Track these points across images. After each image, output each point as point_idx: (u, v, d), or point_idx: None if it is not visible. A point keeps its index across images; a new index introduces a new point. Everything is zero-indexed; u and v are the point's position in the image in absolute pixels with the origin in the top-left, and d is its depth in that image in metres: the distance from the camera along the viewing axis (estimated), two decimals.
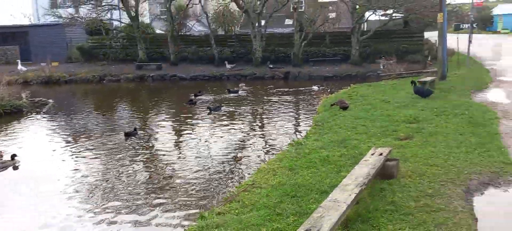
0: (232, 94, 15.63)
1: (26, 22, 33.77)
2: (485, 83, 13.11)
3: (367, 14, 23.65)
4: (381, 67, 20.47)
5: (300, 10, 26.87)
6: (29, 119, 12.35)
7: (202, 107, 13.04)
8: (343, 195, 3.77)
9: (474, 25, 46.35)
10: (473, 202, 4.44)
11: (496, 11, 58.42)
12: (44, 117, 12.57)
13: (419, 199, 4.42)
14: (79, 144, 9.06)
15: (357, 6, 22.72)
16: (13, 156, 7.67)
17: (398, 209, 4.20)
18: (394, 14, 23.70)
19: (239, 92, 16.33)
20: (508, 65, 17.64)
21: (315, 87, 16.98)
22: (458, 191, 4.62)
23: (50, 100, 14.48)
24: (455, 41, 17.88)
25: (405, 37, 24.31)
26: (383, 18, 25.36)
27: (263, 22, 24.50)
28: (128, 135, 9.43)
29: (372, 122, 8.36)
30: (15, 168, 7.54)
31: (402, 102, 10.20)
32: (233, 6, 27.68)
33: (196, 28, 31.50)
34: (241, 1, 23.50)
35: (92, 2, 24.19)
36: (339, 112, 9.69)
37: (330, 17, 30.13)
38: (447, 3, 16.49)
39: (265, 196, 4.91)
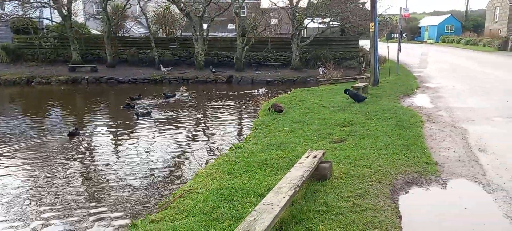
0: (169, 99, 15.24)
1: None
2: (412, 89, 14.12)
3: (306, 21, 24.50)
4: (321, 72, 21.27)
5: (242, 15, 27.08)
6: None
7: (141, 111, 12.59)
8: (277, 198, 3.81)
9: (403, 35, 50.03)
10: (398, 200, 4.72)
11: (423, 22, 63.69)
12: None
13: (349, 199, 4.61)
14: (3, 149, 8.29)
15: (297, 14, 23.42)
16: None
17: (330, 209, 4.35)
18: (331, 22, 24.78)
19: (177, 96, 16.00)
20: (433, 73, 19.21)
21: (260, 90, 17.29)
22: (385, 191, 4.89)
23: None
24: (386, 49, 19.11)
25: (342, 44, 25.52)
26: (321, 26, 26.40)
27: (205, 26, 24.34)
28: (72, 135, 9.46)
29: (309, 125, 8.62)
30: None
31: (338, 107, 10.65)
32: (174, 8, 27.18)
33: (135, 29, 30.46)
34: (181, 4, 23.13)
35: None
36: (279, 116, 9.87)
37: (272, 23, 30.77)
38: (378, 13, 17.57)
39: (201, 201, 4.83)
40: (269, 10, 31.79)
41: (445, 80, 16.30)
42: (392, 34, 56.53)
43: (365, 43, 26.60)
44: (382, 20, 27.97)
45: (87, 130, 10.29)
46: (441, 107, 10.58)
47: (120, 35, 25.75)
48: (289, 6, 23.36)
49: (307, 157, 5.19)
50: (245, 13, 34.42)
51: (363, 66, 22.82)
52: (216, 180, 5.55)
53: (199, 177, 5.86)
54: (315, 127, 8.43)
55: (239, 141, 8.77)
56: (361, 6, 29.41)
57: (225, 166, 6.14)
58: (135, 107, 13.22)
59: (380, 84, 14.96)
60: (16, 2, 22.34)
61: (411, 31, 62.54)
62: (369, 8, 16.65)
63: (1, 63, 23.79)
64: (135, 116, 11.82)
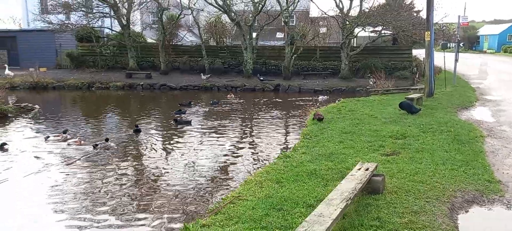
0: (214, 106, 15.63)
1: (15, 27, 33.42)
2: (471, 101, 13.33)
3: (356, 30, 24.01)
4: (371, 83, 20.73)
5: (291, 24, 27.13)
6: (15, 123, 12.13)
7: (191, 118, 12.97)
8: (328, 210, 3.76)
9: (461, 44, 47.36)
10: (458, 220, 4.47)
11: (482, 31, 59.94)
12: (29, 122, 12.36)
13: (404, 215, 4.43)
14: (64, 150, 8.90)
15: (347, 22, 23.05)
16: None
17: (383, 225, 4.20)
18: (383, 31, 24.10)
19: (220, 102, 16.33)
20: (494, 84, 18.01)
21: (320, 97, 17.28)
22: (443, 208, 4.65)
23: (36, 106, 14.27)
24: (442, 59, 18.21)
25: (393, 54, 24.71)
26: (372, 34, 25.76)
27: (254, 35, 24.66)
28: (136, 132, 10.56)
29: (359, 136, 8.42)
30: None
31: (389, 118, 10.31)
32: (225, 17, 27.83)
33: (187, 38, 31.54)
34: (232, 13, 23.65)
35: (83, 9, 24.06)
36: (328, 126, 9.74)
37: (321, 32, 30.51)
38: (434, 22, 16.82)
39: (251, 209, 4.87)
40: (318, 19, 31.56)
41: (507, 92, 15.22)
42: (448, 44, 53.78)
43: (418, 53, 25.56)
44: (438, 29, 26.72)
45: (140, 134, 10.73)
46: (504, 121, 9.89)
47: (173, 43, 26.79)
48: (340, 14, 23.05)
49: (359, 169, 5.07)
50: (294, 22, 34.45)
51: (417, 76, 21.91)
52: (265, 188, 5.58)
53: (248, 184, 5.93)
54: (366, 138, 8.21)
55: (286, 150, 8.75)
56: (415, 14, 28.36)
57: (273, 175, 6.15)
58: (186, 113, 13.62)
59: (435, 96, 14.28)
60: (81, 12, 24.04)
61: (469, 40, 59.14)
62: (424, 17, 16.00)
63: (66, 69, 25.68)
64: (175, 121, 12.10)
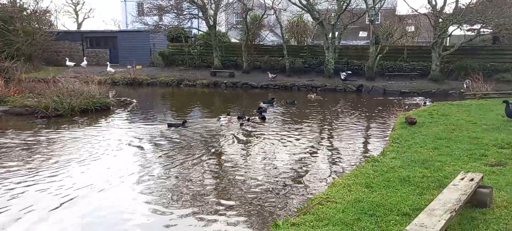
0: (292, 105, 15.62)
1: (115, 28, 37.10)
2: None
3: (451, 28, 22.18)
4: (464, 86, 19.03)
5: (376, 22, 26.01)
6: (116, 115, 13.43)
7: (269, 115, 13.14)
8: (431, 220, 3.53)
9: None
10: None
11: None
12: (128, 115, 13.59)
13: None
14: (156, 142, 9.59)
15: (441, 20, 21.40)
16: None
17: None
18: (482, 29, 21.90)
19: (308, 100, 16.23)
20: None
21: (425, 101, 16.39)
22: None
23: (134, 100, 15.65)
24: None
25: (493, 54, 22.42)
26: (468, 33, 23.57)
27: (336, 34, 24.16)
28: (174, 126, 11.22)
29: (457, 143, 7.77)
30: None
31: (492, 125, 9.35)
32: (307, 17, 27.68)
33: (269, 38, 32.03)
34: (315, 13, 23.42)
35: (175, 11, 25.79)
36: (419, 130, 9.17)
37: (409, 30, 28.80)
38: None
39: (340, 212, 4.79)
40: (406, 16, 29.81)
41: None
42: None
43: None
44: None
45: (220, 130, 11.13)
46: None
47: (255, 43, 27.43)
48: (432, 11, 21.49)
49: (462, 179, 4.68)
50: (379, 20, 33.00)
51: None
52: (353, 192, 5.44)
53: (335, 186, 5.82)
54: (464, 146, 7.55)
55: (371, 153, 8.40)
56: None
57: (362, 179, 5.97)
58: (266, 111, 13.79)
59: None
60: (173, 14, 25.82)
61: None
62: None
63: (158, 67, 27.79)
64: (239, 119, 12.16)
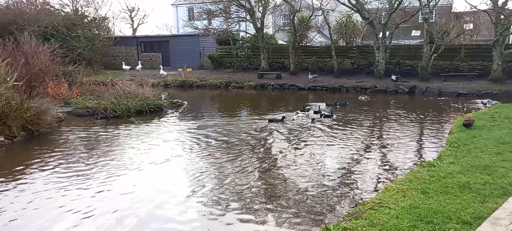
0: (339, 106, 15.39)
1: (167, 33, 38.63)
2: None
3: None
4: None
5: (431, 20, 24.83)
6: (168, 116, 13.95)
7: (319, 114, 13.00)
8: (495, 230, 3.33)
9: None
10: None
11: None
12: (180, 116, 14.07)
13: None
14: (207, 142, 9.84)
15: (502, 17, 19.99)
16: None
17: None
18: None
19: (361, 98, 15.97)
20: None
21: (489, 103, 15.57)
22: None
23: (185, 102, 16.19)
24: None
25: None
26: None
27: (387, 33, 23.38)
28: (273, 121, 12.14)
29: None
30: None
31: None
32: (356, 17, 27.07)
33: (316, 39, 31.73)
34: (365, 12, 22.83)
35: (223, 15, 26.36)
36: (479, 134, 8.64)
37: (467, 28, 27.21)
38: None
39: (395, 217, 4.65)
40: (463, 14, 28.18)
41: None
42: None
43: None
44: None
45: (271, 129, 11.19)
46: None
47: (303, 45, 27.29)
48: (493, 8, 20.14)
49: None
50: (434, 18, 31.49)
51: None
52: (408, 198, 5.26)
53: (388, 191, 5.67)
54: None
55: (426, 158, 8.02)
56: None
57: (417, 184, 5.75)
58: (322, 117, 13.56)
59: None
60: (222, 17, 26.40)
61: None
62: None
63: (207, 69, 28.53)
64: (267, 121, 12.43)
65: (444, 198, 5.11)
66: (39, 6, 28.12)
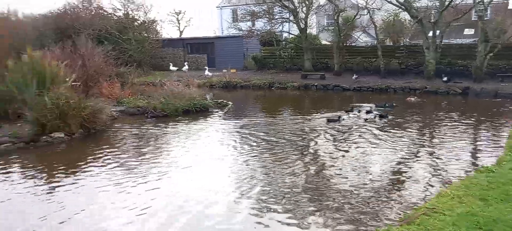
0: (388, 108, 14.77)
1: (212, 34, 39.46)
2: None
3: None
4: None
5: (485, 18, 23.42)
6: (214, 116, 14.25)
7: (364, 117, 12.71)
8: None
9: None
10: None
11: None
12: (225, 116, 14.31)
13: None
14: (253, 142, 9.94)
15: None
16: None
17: None
18: None
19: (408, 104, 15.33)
20: None
21: None
22: None
23: (230, 102, 16.46)
24: None
25: None
26: None
27: (438, 32, 22.34)
28: (331, 121, 12.32)
29: None
30: None
31: None
32: (404, 15, 26.14)
33: (361, 39, 31.01)
34: (414, 10, 21.98)
35: (267, 16, 26.49)
36: None
37: None
38: None
39: (451, 225, 4.48)
40: None
41: None
42: None
43: None
44: None
45: (311, 131, 11.09)
46: None
47: (347, 45, 26.79)
48: None
49: None
50: (489, 15, 29.69)
51: None
52: (465, 204, 5.03)
53: (442, 197, 5.46)
54: None
55: (482, 163, 7.58)
56: None
57: (475, 190, 5.49)
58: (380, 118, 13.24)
59: None
60: (265, 19, 26.55)
61: None
62: None
63: (251, 70, 28.80)
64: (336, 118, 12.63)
65: (505, 206, 4.84)
66: (94, 10, 29.74)
